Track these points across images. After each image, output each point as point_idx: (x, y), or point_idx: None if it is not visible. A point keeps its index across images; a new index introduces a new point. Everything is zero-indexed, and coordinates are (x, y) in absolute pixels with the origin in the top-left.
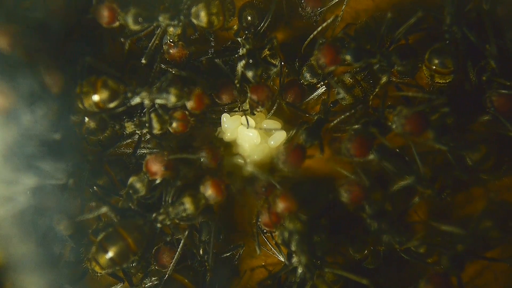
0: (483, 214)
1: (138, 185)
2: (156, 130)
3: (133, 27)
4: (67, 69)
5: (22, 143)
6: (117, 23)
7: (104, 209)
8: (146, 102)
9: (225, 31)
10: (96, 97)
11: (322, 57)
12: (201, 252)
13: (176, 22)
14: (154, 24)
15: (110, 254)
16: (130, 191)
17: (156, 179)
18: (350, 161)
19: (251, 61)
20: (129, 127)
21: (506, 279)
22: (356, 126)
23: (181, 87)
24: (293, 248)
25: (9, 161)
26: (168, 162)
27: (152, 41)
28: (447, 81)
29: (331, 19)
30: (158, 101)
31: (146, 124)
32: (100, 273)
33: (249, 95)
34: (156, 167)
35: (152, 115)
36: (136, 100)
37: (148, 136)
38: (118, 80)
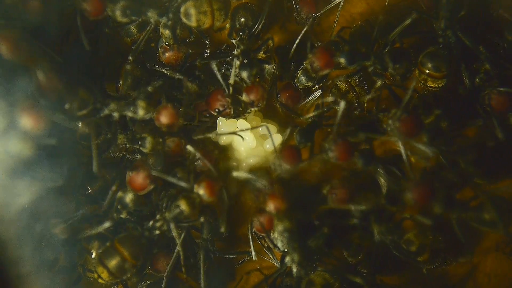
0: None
1: (127, 200)
2: (147, 150)
3: (120, 19)
4: (63, 72)
5: (19, 147)
6: (103, 15)
7: (106, 224)
8: (115, 114)
9: (219, 33)
10: (66, 105)
11: (316, 60)
12: (201, 249)
13: (165, 20)
14: (149, 21)
15: (108, 268)
16: (119, 206)
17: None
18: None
19: (245, 61)
20: (121, 139)
21: (499, 282)
22: (349, 129)
23: (149, 100)
24: (284, 247)
25: (5, 164)
26: (152, 175)
27: (141, 38)
28: (440, 85)
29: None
30: (127, 113)
31: (139, 142)
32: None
33: (243, 95)
34: (141, 184)
35: (147, 134)
36: (105, 111)
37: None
38: (89, 90)
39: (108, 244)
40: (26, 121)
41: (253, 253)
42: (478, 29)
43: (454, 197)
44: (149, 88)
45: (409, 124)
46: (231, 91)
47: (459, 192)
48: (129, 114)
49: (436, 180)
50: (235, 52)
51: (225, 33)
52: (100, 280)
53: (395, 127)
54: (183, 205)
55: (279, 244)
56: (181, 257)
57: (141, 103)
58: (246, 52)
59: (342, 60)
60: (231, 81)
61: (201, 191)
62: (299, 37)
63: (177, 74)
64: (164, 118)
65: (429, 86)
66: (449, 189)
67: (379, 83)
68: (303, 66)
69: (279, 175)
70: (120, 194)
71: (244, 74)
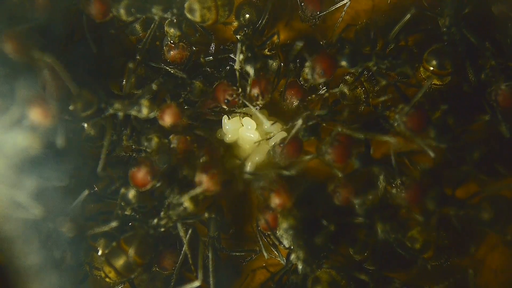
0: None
1: (130, 196)
2: (151, 150)
3: (126, 18)
4: (68, 72)
5: (25, 146)
6: (110, 16)
7: (114, 223)
8: (120, 114)
9: (224, 30)
10: (70, 107)
11: (318, 65)
12: (209, 248)
13: (169, 16)
14: (154, 18)
15: (115, 268)
16: (122, 203)
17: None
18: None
19: (249, 55)
20: (127, 140)
21: (506, 278)
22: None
23: (153, 99)
24: (289, 244)
25: (12, 163)
26: (154, 170)
27: (147, 36)
28: (444, 82)
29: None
30: (131, 113)
31: (145, 143)
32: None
33: (249, 88)
34: (143, 180)
35: (154, 135)
36: (109, 111)
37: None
38: (93, 91)
39: (114, 244)
40: (35, 114)
41: (264, 252)
42: (482, 26)
43: (450, 194)
44: (154, 86)
45: (416, 119)
46: (238, 77)
47: (464, 188)
48: (133, 113)
49: (435, 178)
50: (239, 46)
51: (230, 29)
52: (107, 280)
53: (402, 122)
54: (186, 202)
55: (285, 242)
56: (189, 256)
57: (145, 102)
58: (250, 47)
59: (343, 63)
60: (237, 66)
61: (203, 182)
62: None
63: (180, 72)
64: (167, 117)
65: (434, 84)
66: (446, 186)
67: (383, 82)
68: (308, 64)
69: (277, 162)
70: (123, 190)
71: (248, 68)
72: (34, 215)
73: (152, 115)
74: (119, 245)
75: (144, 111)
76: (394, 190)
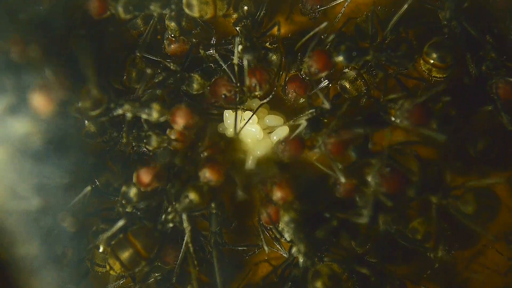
0: None
1: (131, 194)
2: (152, 148)
3: (124, 16)
4: (69, 67)
5: (27, 141)
6: (108, 13)
7: (120, 223)
8: (128, 115)
9: (224, 23)
10: (79, 104)
11: (314, 63)
12: (212, 242)
13: (168, 12)
14: (153, 15)
15: (121, 260)
16: (123, 201)
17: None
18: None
19: (248, 45)
20: (127, 138)
21: (508, 270)
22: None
23: (164, 103)
24: (290, 238)
25: (14, 159)
26: (160, 173)
27: (146, 31)
28: (444, 75)
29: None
30: (141, 115)
31: (144, 140)
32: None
33: (246, 78)
34: (148, 179)
35: (152, 132)
36: (118, 111)
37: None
38: (102, 90)
39: (121, 236)
40: (37, 100)
41: (265, 246)
42: (482, 19)
43: (433, 183)
44: (158, 92)
45: (418, 114)
46: (236, 72)
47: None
48: (144, 116)
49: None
50: (238, 37)
51: (231, 22)
52: (111, 272)
53: (404, 117)
54: (192, 195)
55: (286, 235)
56: (191, 249)
57: (155, 106)
58: (249, 37)
59: (340, 58)
60: (235, 60)
61: (206, 175)
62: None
63: (174, 66)
64: (180, 120)
65: (434, 76)
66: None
67: (381, 74)
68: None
69: (280, 159)
70: (124, 188)
71: (247, 58)
72: (34, 206)
73: (163, 119)
74: (126, 237)
75: (155, 115)
76: (372, 179)
